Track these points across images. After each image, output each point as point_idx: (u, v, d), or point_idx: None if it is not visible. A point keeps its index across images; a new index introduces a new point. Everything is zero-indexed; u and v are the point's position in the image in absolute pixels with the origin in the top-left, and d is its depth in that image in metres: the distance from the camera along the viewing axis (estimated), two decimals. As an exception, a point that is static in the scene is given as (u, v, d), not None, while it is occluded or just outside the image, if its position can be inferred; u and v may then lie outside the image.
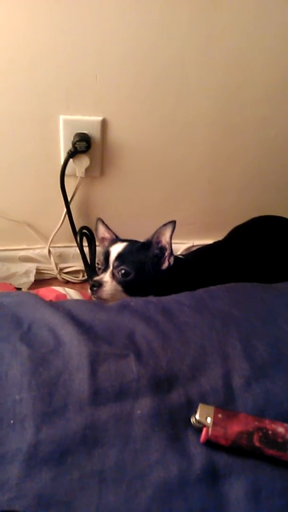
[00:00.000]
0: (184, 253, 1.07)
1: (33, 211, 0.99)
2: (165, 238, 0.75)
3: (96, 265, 0.92)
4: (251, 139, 0.95)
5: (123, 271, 0.74)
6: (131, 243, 0.79)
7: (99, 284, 0.75)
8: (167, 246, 0.75)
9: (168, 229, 0.74)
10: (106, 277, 0.76)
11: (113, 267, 0.76)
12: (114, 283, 0.75)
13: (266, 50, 0.81)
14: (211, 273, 0.80)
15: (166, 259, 0.76)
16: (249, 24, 0.78)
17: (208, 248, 0.91)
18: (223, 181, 1.02)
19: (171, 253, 0.76)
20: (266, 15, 0.77)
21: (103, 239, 0.85)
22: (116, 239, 0.82)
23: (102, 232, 0.85)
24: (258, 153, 0.97)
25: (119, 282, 0.75)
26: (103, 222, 0.84)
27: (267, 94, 0.87)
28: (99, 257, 0.89)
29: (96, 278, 0.77)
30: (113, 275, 0.76)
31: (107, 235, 0.84)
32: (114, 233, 0.83)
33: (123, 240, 0.80)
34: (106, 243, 0.83)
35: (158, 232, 0.75)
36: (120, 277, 0.75)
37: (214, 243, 0.92)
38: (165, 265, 0.76)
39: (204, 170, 0.99)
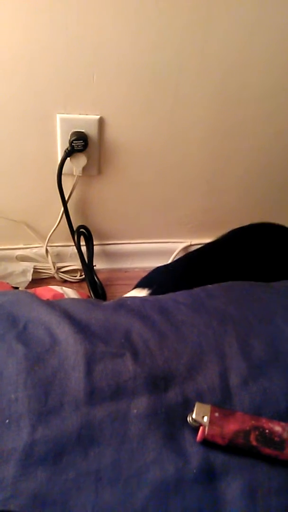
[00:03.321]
0: (170, 262, 1.05)
1: (30, 210, 0.99)
2: None
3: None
4: (250, 138, 0.94)
5: None
6: None
7: None
8: None
9: None
10: None
11: None
12: None
13: (265, 49, 0.81)
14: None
15: None
16: (248, 23, 0.78)
17: (195, 256, 0.86)
18: (221, 180, 1.02)
19: None
20: (265, 14, 0.77)
21: None
22: None
23: None
24: (257, 152, 0.97)
25: None
26: None
27: (266, 93, 0.87)
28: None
29: None
30: None
31: None
32: None
33: None
34: None
35: None
36: None
37: (203, 248, 0.87)
38: None
39: (203, 169, 0.99)
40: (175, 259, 1.11)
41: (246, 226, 0.91)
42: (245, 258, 0.82)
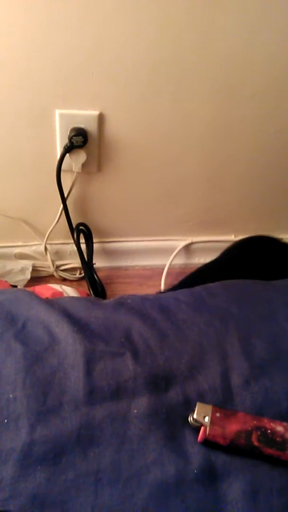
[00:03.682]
0: (168, 288, 1.02)
1: (29, 207, 0.98)
2: None
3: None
4: (251, 135, 0.94)
5: None
6: None
7: None
8: None
9: None
10: None
11: None
12: None
13: (266, 45, 0.80)
14: None
15: None
16: (248, 19, 0.77)
17: (200, 275, 0.82)
18: (222, 178, 1.01)
19: None
20: (266, 10, 0.76)
21: None
22: None
23: None
24: (258, 150, 0.97)
25: None
26: None
27: (267, 89, 0.86)
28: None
29: None
30: None
31: None
32: None
33: None
34: None
35: None
36: None
37: (207, 266, 0.84)
38: None
39: (203, 166, 0.98)
40: (175, 257, 1.11)
41: (246, 239, 0.87)
42: (250, 274, 0.80)
